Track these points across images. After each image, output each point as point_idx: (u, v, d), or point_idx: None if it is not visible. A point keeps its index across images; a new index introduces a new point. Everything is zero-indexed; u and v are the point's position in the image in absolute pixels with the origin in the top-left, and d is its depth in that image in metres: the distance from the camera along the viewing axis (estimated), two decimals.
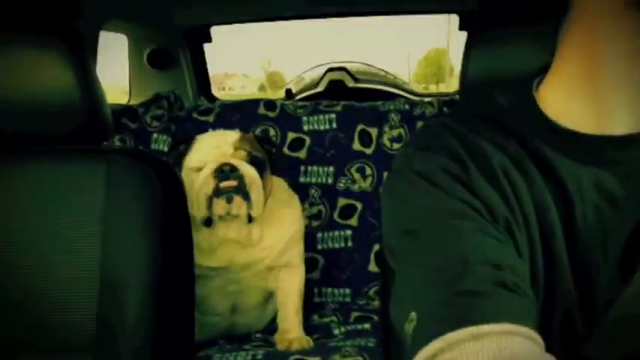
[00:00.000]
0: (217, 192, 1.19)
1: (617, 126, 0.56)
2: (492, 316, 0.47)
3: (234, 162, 1.21)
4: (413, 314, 0.51)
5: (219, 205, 1.20)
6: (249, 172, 1.22)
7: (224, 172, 1.20)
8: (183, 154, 1.28)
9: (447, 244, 0.53)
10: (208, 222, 1.22)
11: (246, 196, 1.21)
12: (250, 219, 1.23)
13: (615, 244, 0.56)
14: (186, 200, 0.96)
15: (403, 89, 2.48)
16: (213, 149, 1.24)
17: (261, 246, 1.32)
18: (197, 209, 1.20)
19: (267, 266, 1.35)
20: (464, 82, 0.96)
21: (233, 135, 1.28)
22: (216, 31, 2.28)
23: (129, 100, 2.20)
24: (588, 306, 0.57)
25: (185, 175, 1.25)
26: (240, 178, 1.20)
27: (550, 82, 0.61)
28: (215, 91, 2.40)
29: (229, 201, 1.20)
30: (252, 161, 1.25)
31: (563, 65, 0.59)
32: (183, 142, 1.32)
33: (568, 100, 0.58)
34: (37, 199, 0.87)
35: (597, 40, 0.54)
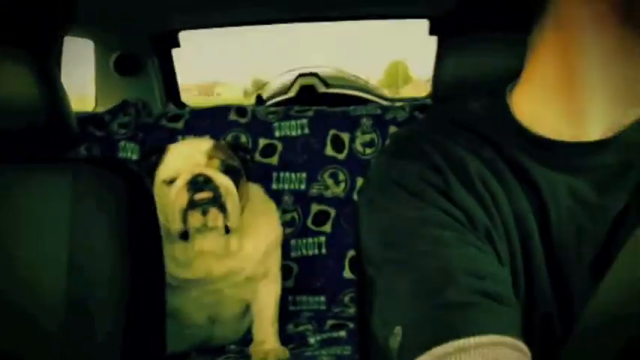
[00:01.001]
0: (192, 204, 1.16)
1: (591, 131, 0.56)
2: (478, 328, 0.47)
3: (209, 172, 1.18)
4: (397, 329, 0.50)
5: (195, 218, 1.17)
6: (224, 182, 1.19)
7: (198, 183, 1.17)
8: (154, 165, 1.24)
9: (429, 255, 0.52)
10: (184, 235, 1.19)
11: (222, 208, 1.18)
12: (227, 230, 1.20)
13: (589, 249, 0.57)
14: (155, 208, 0.94)
15: (375, 94, 2.48)
16: (185, 159, 1.21)
17: (240, 256, 1.30)
18: (172, 223, 1.17)
19: (245, 277, 1.32)
20: (436, 87, 0.95)
21: (206, 143, 1.25)
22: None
23: (95, 108, 2.15)
24: (566, 309, 0.57)
25: (158, 187, 1.22)
26: (215, 189, 1.17)
27: (523, 88, 0.61)
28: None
29: (205, 213, 1.17)
30: (227, 170, 1.22)
31: (537, 72, 0.58)
32: (154, 153, 1.28)
33: (541, 106, 0.58)
34: (1, 208, 0.84)
35: (574, 49, 0.54)
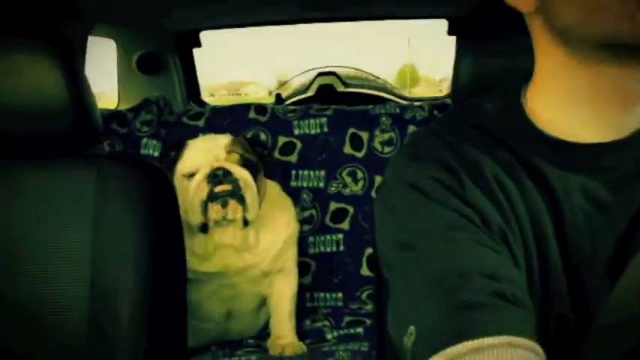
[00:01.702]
0: (212, 197, 1.18)
1: (606, 133, 0.57)
2: (492, 329, 0.47)
3: (228, 166, 1.21)
4: (412, 328, 0.51)
5: (215, 210, 1.19)
6: (243, 175, 1.21)
7: (217, 176, 1.19)
8: (174, 161, 1.27)
9: (443, 256, 0.53)
10: (204, 228, 1.21)
11: (242, 200, 1.20)
12: (246, 223, 1.22)
13: (605, 250, 0.57)
14: (178, 204, 0.95)
15: (393, 94, 2.49)
16: (205, 154, 1.23)
17: (257, 250, 1.32)
18: (192, 215, 1.19)
19: (262, 271, 1.34)
20: (455, 87, 0.96)
21: (224, 138, 1.27)
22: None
23: (117, 106, 2.19)
24: (581, 310, 0.57)
25: (178, 181, 1.24)
26: (235, 182, 1.19)
27: (536, 88, 0.61)
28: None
29: (224, 205, 1.19)
30: (245, 164, 1.24)
31: (546, 73, 0.59)
32: (173, 149, 1.31)
33: (554, 107, 0.59)
34: (27, 204, 0.86)
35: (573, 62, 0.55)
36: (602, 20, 0.49)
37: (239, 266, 1.30)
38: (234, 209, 1.20)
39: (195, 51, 2.32)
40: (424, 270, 0.53)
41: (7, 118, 0.87)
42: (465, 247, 0.53)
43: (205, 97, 2.48)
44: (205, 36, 2.28)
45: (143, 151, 1.70)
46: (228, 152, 1.24)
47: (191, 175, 1.21)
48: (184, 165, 1.24)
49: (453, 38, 2.00)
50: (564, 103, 0.58)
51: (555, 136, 0.58)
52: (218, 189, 1.18)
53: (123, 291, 0.83)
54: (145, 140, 1.71)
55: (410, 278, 0.54)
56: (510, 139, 0.60)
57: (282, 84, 3.15)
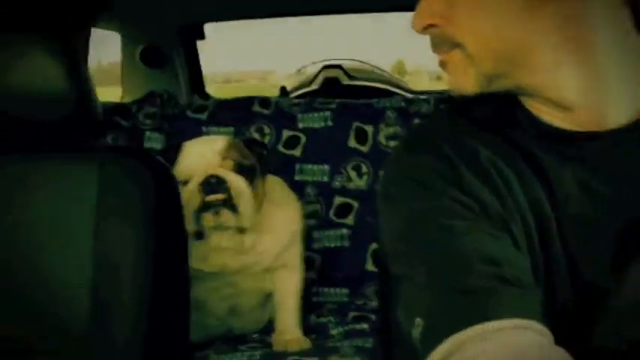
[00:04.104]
0: (204, 206, 1.17)
1: (608, 120, 0.56)
2: (498, 313, 0.47)
3: (221, 173, 1.19)
4: (418, 320, 0.51)
5: (207, 219, 1.18)
6: (236, 183, 1.19)
7: (211, 184, 1.17)
8: (171, 163, 1.24)
9: (443, 245, 0.53)
10: (199, 235, 1.20)
11: (234, 209, 1.18)
12: (241, 230, 1.21)
13: (604, 238, 0.56)
14: (180, 197, 0.94)
15: (399, 86, 2.46)
16: (199, 159, 1.21)
17: (255, 251, 1.30)
18: (187, 223, 1.18)
19: (263, 269, 1.33)
20: None
21: (220, 142, 1.25)
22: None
23: (122, 99, 2.18)
24: (581, 298, 0.57)
25: None
26: (228, 191, 1.18)
27: None
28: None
29: (217, 214, 1.18)
30: (241, 170, 1.22)
31: None
32: (171, 149, 1.29)
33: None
34: (28, 196, 0.85)
35: (586, 31, 0.54)
36: None
37: (237, 266, 1.30)
38: (226, 218, 1.18)
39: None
40: (424, 260, 0.54)
41: (5, 105, 0.85)
42: (464, 234, 0.53)
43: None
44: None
45: (146, 144, 1.69)
46: (223, 158, 1.22)
47: (186, 182, 1.20)
48: (179, 170, 1.22)
49: None
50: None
51: (551, 124, 0.58)
52: (210, 198, 1.17)
53: (125, 283, 0.83)
54: (148, 133, 1.70)
55: (411, 270, 0.55)
56: (508, 126, 0.60)
57: (291, 76, 3.14)
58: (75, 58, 0.87)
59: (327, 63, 2.48)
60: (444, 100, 1.70)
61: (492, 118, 0.61)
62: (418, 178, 0.58)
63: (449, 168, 0.58)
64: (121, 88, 2.23)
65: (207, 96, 2.34)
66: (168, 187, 0.93)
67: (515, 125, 0.60)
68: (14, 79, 0.84)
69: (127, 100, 2.00)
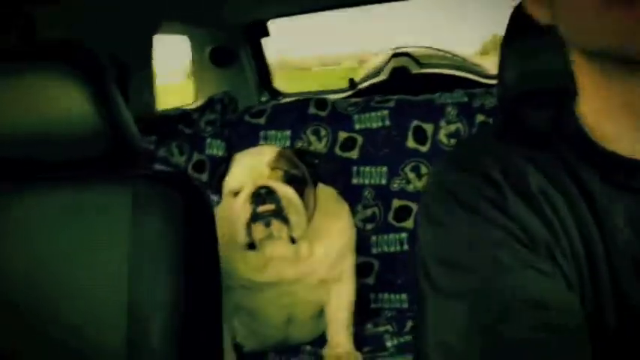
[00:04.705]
0: (255, 217, 1.17)
1: None
2: None
3: (271, 184, 1.18)
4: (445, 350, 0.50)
5: (258, 230, 1.18)
6: (286, 193, 1.18)
7: (261, 195, 1.17)
8: (222, 175, 1.27)
9: (486, 278, 0.50)
10: (251, 246, 1.21)
11: (285, 219, 1.17)
12: (293, 240, 1.20)
13: None
14: (214, 219, 0.94)
15: (473, 71, 2.32)
16: (249, 170, 1.22)
17: (310, 261, 1.30)
18: (238, 235, 1.19)
19: (318, 280, 1.33)
20: (501, 87, 0.87)
21: (269, 154, 1.25)
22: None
23: (195, 100, 2.26)
24: (630, 327, 0.52)
25: (225, 198, 1.25)
26: (278, 201, 1.17)
27: (581, 101, 0.56)
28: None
29: (268, 225, 1.17)
30: (290, 180, 1.21)
31: (583, 87, 0.55)
32: (222, 162, 1.31)
33: (603, 117, 0.53)
34: (62, 224, 0.86)
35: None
36: (586, 31, 0.45)
37: (293, 276, 1.30)
38: (278, 229, 1.18)
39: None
40: (465, 295, 0.51)
41: (37, 146, 0.87)
42: (509, 269, 0.50)
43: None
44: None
45: (208, 151, 1.73)
46: (273, 169, 1.21)
47: (236, 194, 1.21)
48: (230, 182, 1.24)
49: None
50: (605, 119, 0.53)
51: (607, 148, 0.53)
52: (261, 209, 1.17)
53: (157, 307, 0.84)
54: (209, 140, 1.73)
55: (450, 302, 0.52)
56: (560, 149, 0.56)
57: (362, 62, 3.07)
58: (103, 86, 0.86)
59: (395, 51, 2.39)
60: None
61: (546, 130, 0.58)
62: (462, 199, 0.55)
63: (495, 192, 0.54)
64: (194, 89, 2.30)
65: (276, 91, 2.35)
66: (200, 209, 0.92)
67: (569, 145, 0.55)
68: (44, 117, 0.85)
69: (201, 100, 2.06)
